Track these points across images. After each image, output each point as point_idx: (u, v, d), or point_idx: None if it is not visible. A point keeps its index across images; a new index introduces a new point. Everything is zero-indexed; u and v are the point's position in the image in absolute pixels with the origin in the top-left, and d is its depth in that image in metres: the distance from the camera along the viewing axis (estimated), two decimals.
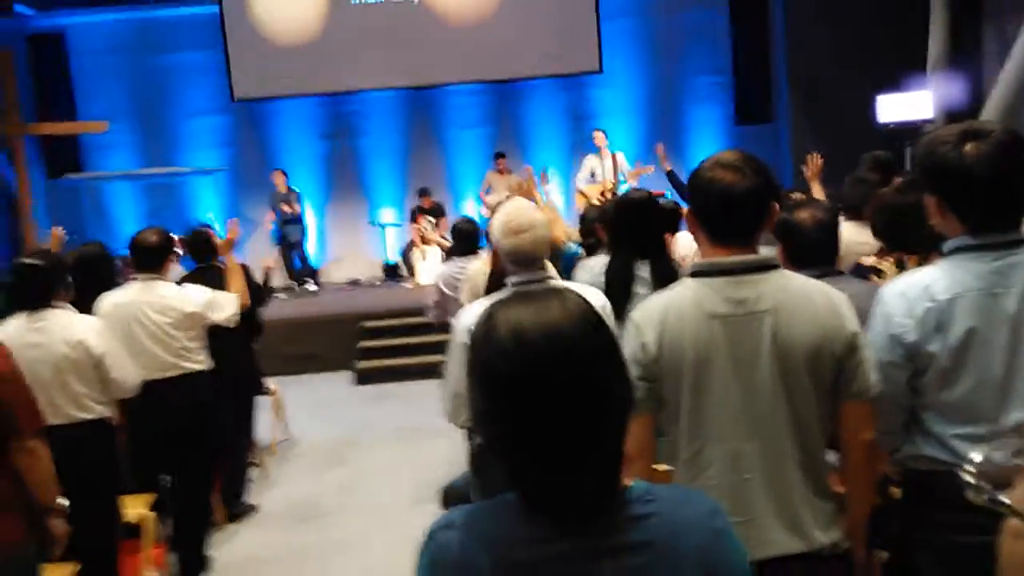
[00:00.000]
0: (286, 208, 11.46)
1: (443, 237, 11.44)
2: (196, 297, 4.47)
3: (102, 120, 11.36)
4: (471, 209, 11.97)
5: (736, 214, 2.05)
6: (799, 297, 2.03)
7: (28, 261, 3.60)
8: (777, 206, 2.13)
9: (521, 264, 2.87)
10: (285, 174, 11.70)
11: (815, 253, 2.89)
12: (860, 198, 4.21)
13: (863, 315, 2.20)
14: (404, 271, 11.92)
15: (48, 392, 3.51)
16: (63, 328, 3.55)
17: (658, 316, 2.06)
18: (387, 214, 12.51)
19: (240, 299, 4.70)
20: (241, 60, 12.03)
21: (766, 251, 2.17)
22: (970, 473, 1.59)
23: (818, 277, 2.78)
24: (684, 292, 2.08)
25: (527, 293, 1.27)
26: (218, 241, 4.93)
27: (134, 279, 4.44)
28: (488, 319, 1.25)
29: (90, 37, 12.28)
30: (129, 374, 3.73)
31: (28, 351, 3.48)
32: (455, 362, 2.96)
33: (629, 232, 3.64)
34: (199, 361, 4.51)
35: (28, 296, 3.57)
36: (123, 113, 12.12)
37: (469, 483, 3.30)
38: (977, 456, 1.68)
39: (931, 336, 2.11)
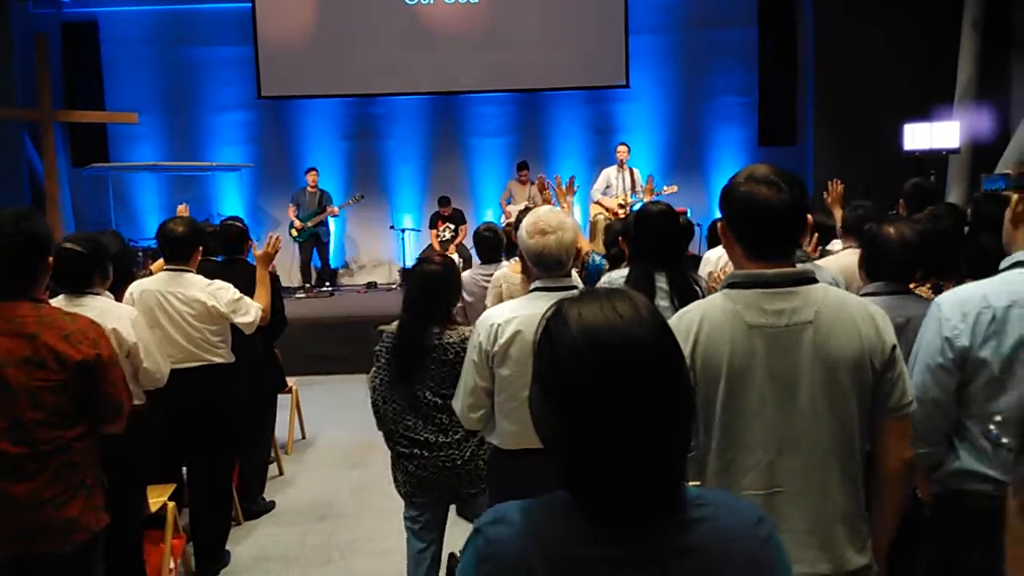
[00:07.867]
0: (330, 211, 11.53)
1: (462, 245, 11.48)
2: (223, 295, 4.50)
3: (130, 111, 11.44)
4: (491, 217, 11.99)
5: (774, 229, 2.00)
6: (839, 310, 1.98)
7: (68, 246, 3.58)
8: (810, 218, 2.10)
9: (546, 267, 2.83)
10: (318, 173, 11.77)
11: (892, 269, 2.95)
12: (856, 223, 4.25)
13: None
14: None
15: None
16: (99, 316, 3.55)
17: (693, 327, 2.01)
18: (407, 219, 12.56)
19: (263, 313, 4.70)
20: (270, 58, 12.12)
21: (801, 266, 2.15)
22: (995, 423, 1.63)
23: (887, 294, 2.83)
24: (720, 303, 2.02)
25: (595, 292, 1.25)
26: (257, 253, 4.92)
27: (148, 272, 4.44)
28: (557, 317, 1.23)
29: (122, 27, 12.37)
30: (159, 365, 3.75)
31: None
32: (471, 361, 2.92)
33: (648, 243, 3.62)
34: (220, 355, 4.56)
35: (66, 280, 3.58)
36: (150, 104, 12.17)
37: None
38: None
39: (984, 341, 2.13)
